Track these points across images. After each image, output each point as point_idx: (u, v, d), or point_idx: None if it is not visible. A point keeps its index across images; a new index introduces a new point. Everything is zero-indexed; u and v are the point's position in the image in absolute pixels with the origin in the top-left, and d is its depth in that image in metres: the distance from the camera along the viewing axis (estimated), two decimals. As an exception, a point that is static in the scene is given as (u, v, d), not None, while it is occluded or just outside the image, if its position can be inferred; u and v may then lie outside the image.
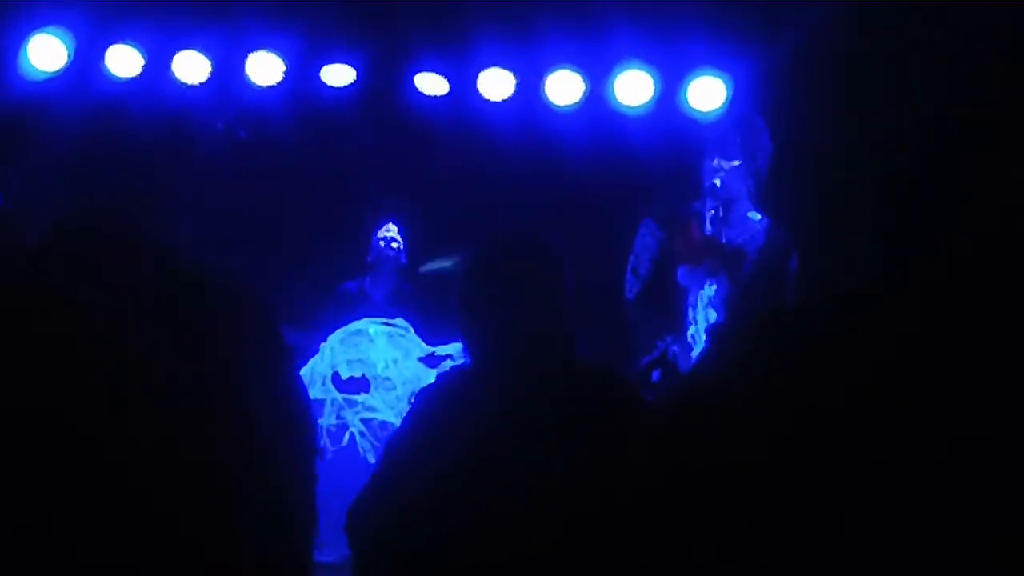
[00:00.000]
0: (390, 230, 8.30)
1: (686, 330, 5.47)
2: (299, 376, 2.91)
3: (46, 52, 7.33)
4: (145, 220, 2.71)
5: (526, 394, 3.32)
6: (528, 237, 3.58)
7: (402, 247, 8.27)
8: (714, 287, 5.50)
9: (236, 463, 2.58)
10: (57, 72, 7.27)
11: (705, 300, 5.51)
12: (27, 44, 7.28)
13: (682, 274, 5.54)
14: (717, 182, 5.50)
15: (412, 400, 3.68)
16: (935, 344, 1.59)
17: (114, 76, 7.40)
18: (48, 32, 7.36)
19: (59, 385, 2.49)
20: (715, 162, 5.52)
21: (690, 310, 5.52)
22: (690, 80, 7.65)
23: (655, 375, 5.33)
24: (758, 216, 5.51)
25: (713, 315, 5.43)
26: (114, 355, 2.52)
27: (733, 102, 7.28)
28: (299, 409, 2.77)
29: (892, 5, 1.70)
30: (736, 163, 5.46)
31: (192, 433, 2.54)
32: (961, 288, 1.61)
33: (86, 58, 7.43)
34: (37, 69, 7.25)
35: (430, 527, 3.20)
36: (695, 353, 5.36)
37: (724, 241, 5.50)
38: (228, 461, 2.57)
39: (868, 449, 1.59)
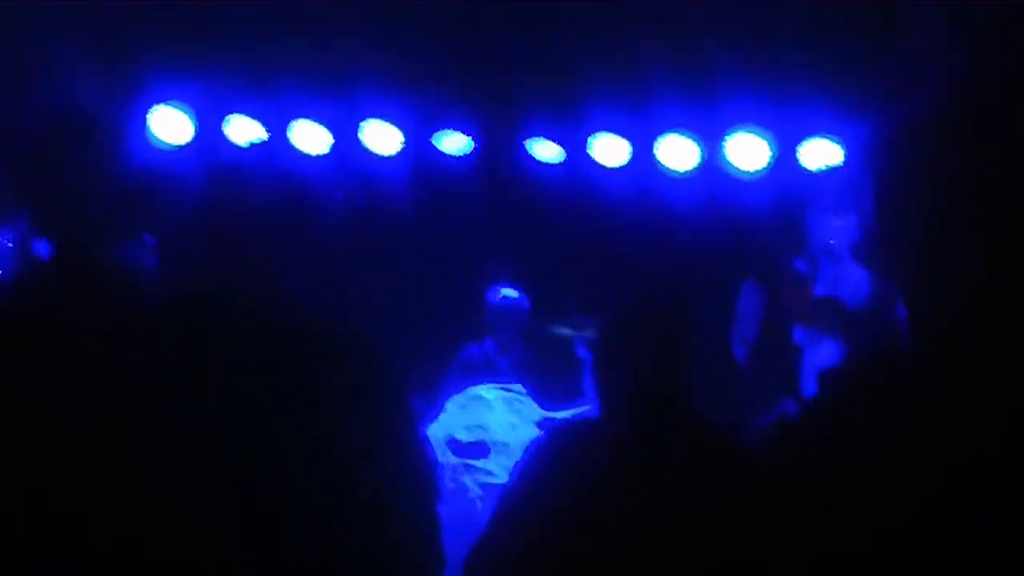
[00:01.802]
0: (509, 295, 8.34)
1: (801, 389, 5.45)
2: (426, 437, 2.95)
3: (169, 124, 7.54)
4: (270, 285, 2.77)
5: (645, 449, 3.34)
6: (662, 298, 3.62)
7: (521, 312, 8.30)
8: (830, 345, 5.48)
9: (364, 522, 2.62)
10: (180, 143, 7.46)
11: (821, 360, 5.49)
12: (150, 116, 7.49)
13: (797, 334, 5.53)
14: (833, 240, 5.51)
15: (524, 452, 3.70)
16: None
17: (235, 145, 7.57)
18: (170, 105, 7.57)
19: (194, 442, 2.54)
20: (825, 220, 5.54)
21: (805, 369, 5.50)
22: (804, 143, 7.64)
23: (773, 434, 5.30)
24: (861, 270, 5.52)
25: (830, 375, 5.39)
26: (244, 416, 2.58)
27: (846, 163, 7.27)
28: (426, 469, 2.79)
29: (1006, 79, 1.74)
30: (846, 220, 5.46)
31: (322, 492, 2.58)
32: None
33: (207, 129, 7.62)
34: (160, 140, 7.45)
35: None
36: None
37: (836, 298, 5.50)
38: (356, 520, 2.61)
39: (995, 498, 1.60)
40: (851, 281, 5.56)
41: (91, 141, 2.97)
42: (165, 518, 2.51)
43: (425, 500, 2.73)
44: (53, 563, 2.55)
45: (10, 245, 5.80)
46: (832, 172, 7.32)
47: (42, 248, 3.04)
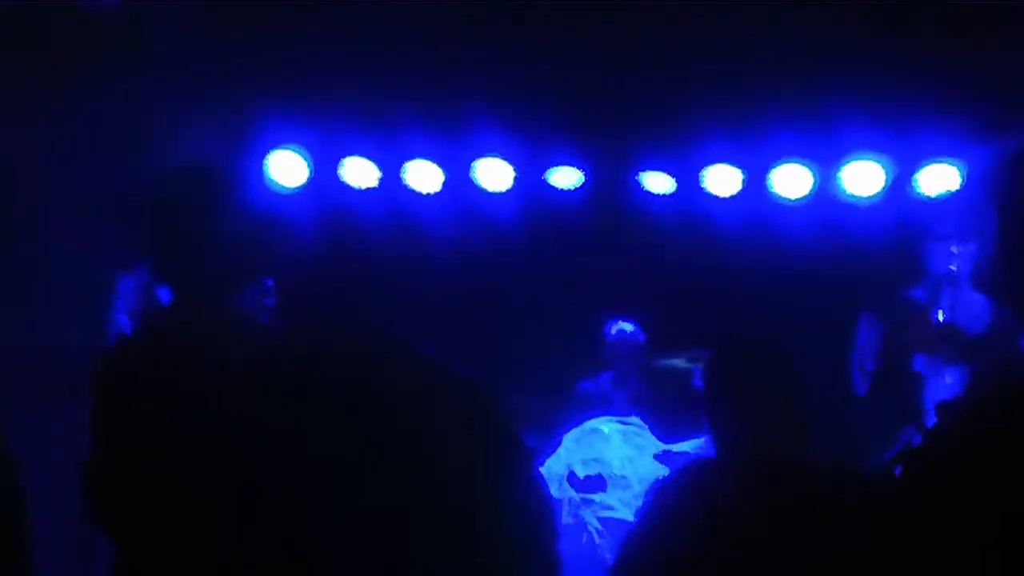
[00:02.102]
0: (625, 329, 8.32)
1: (925, 419, 5.37)
2: (540, 476, 2.95)
3: (286, 167, 7.64)
4: (387, 326, 2.80)
5: (767, 490, 3.31)
6: (772, 335, 3.60)
7: (638, 345, 8.28)
8: (952, 375, 5.41)
9: (482, 564, 2.62)
10: (296, 187, 7.56)
11: (944, 388, 5.41)
12: (267, 161, 7.60)
13: (919, 363, 5.45)
14: (953, 267, 5.45)
15: (647, 494, 3.69)
16: None
17: (351, 187, 7.66)
18: (288, 148, 7.67)
19: (319, 488, 2.57)
20: (945, 247, 5.47)
21: (928, 399, 5.43)
22: (922, 167, 7.55)
23: (899, 468, 5.22)
24: (982, 298, 5.45)
25: (953, 404, 5.33)
26: (363, 461, 2.60)
27: (965, 188, 7.17)
28: (542, 508, 2.80)
29: None
30: (966, 247, 5.40)
31: (439, 536, 2.59)
32: None
33: (323, 172, 7.71)
34: (277, 184, 7.56)
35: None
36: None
37: (957, 326, 5.43)
38: (474, 562, 2.61)
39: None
40: (972, 309, 5.49)
41: (210, 190, 3.02)
42: (292, 563, 2.53)
43: (545, 540, 2.73)
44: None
45: (135, 295, 5.91)
46: (951, 197, 7.23)
47: (165, 297, 3.10)
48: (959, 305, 5.49)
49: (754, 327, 3.66)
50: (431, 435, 2.65)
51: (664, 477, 3.72)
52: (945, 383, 5.42)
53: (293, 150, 7.68)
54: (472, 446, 2.68)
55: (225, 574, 2.60)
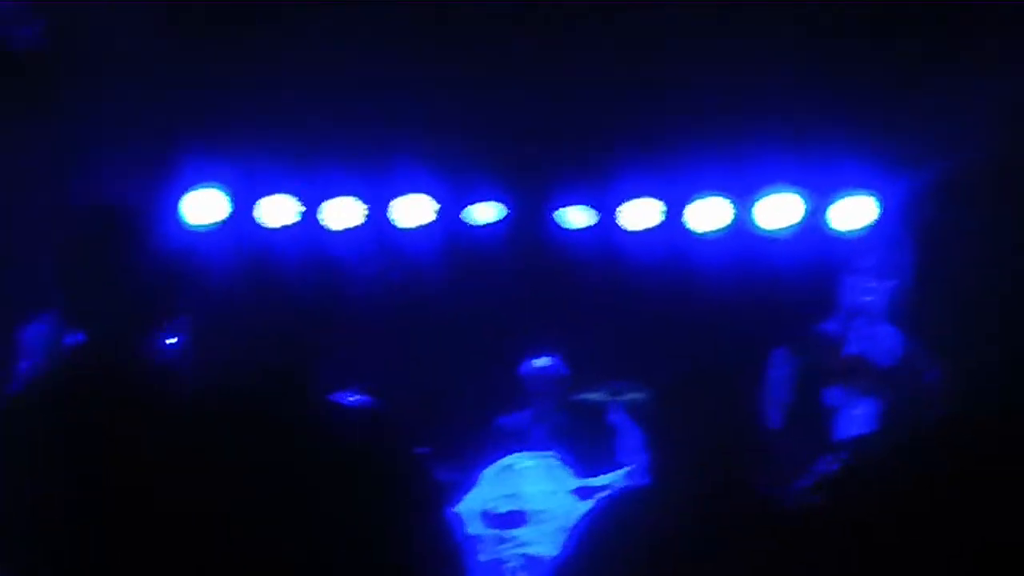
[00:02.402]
0: (546, 363, 8.34)
1: (840, 450, 5.42)
2: (453, 514, 2.96)
3: (204, 206, 7.61)
4: (303, 363, 2.79)
5: (693, 521, 3.34)
6: (716, 369, 3.65)
7: (558, 380, 8.30)
8: (864, 406, 5.48)
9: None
10: (214, 225, 7.53)
11: (856, 419, 5.48)
12: (184, 199, 7.56)
13: (832, 394, 5.52)
14: (864, 300, 5.53)
15: (573, 528, 3.70)
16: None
17: (269, 225, 7.64)
18: (206, 186, 7.64)
19: (226, 530, 2.56)
20: (862, 280, 5.55)
21: (841, 430, 5.49)
22: (837, 200, 7.64)
23: (813, 499, 5.27)
24: (894, 331, 5.55)
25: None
26: (275, 501, 2.59)
27: (880, 220, 7.25)
28: (452, 547, 2.80)
29: None
30: (881, 280, 5.47)
31: (349, 571, 2.59)
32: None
33: (242, 210, 7.68)
34: (195, 223, 7.52)
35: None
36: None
37: (870, 359, 5.51)
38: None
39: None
40: (885, 341, 5.57)
41: (124, 231, 3.00)
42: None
43: None
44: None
45: (42, 338, 5.84)
46: (866, 230, 7.31)
47: (74, 340, 3.07)
48: (874, 338, 5.57)
49: (690, 363, 3.69)
50: (342, 478, 2.65)
51: (590, 509, 3.73)
52: (857, 415, 5.48)
53: (213, 187, 7.65)
54: (380, 485, 2.68)
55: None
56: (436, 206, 8.04)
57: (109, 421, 2.73)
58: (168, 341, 2.99)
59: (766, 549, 3.12)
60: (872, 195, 7.52)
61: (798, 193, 7.76)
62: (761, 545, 3.18)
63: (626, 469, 6.97)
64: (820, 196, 7.75)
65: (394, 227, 8.01)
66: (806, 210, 7.75)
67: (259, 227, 7.58)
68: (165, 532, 2.57)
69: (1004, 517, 1.66)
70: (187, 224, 7.12)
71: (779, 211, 7.79)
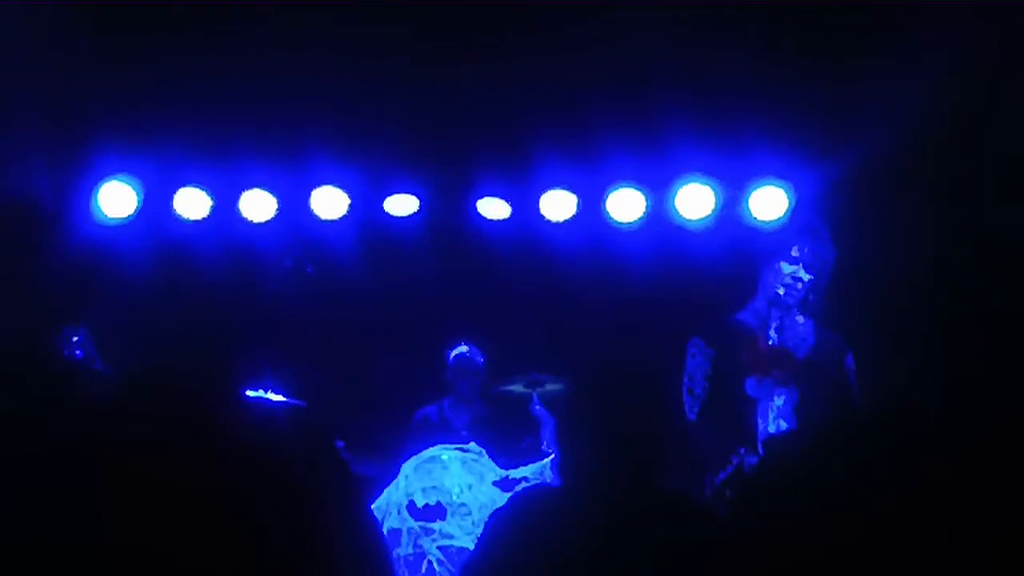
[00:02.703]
0: (464, 353, 8.33)
1: (758, 442, 5.45)
2: (370, 508, 2.94)
3: (116, 199, 7.50)
4: (218, 355, 2.76)
5: (606, 516, 3.34)
6: (634, 362, 3.62)
7: (477, 370, 8.30)
8: (783, 397, 5.50)
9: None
10: (128, 217, 7.43)
11: (775, 410, 5.50)
12: (97, 192, 7.45)
13: (750, 385, 5.54)
14: (781, 291, 5.55)
15: (486, 523, 3.68)
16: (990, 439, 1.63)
17: (183, 218, 7.56)
18: (118, 179, 7.54)
19: (147, 529, 2.52)
20: (778, 270, 5.57)
21: (760, 421, 5.51)
22: (752, 190, 7.68)
23: (731, 491, 5.30)
24: (804, 320, 5.59)
25: (784, 424, 5.43)
26: (195, 500, 2.55)
27: (794, 211, 7.30)
28: (371, 541, 2.78)
29: (945, 132, 1.79)
30: (797, 270, 5.50)
31: (269, 568, 2.57)
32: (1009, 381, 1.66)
33: (155, 203, 7.59)
34: (108, 216, 7.42)
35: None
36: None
37: (787, 349, 5.53)
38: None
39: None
40: (797, 332, 5.61)
41: (35, 227, 2.95)
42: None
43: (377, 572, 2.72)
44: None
45: None
46: (781, 220, 7.35)
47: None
48: (788, 328, 5.60)
49: (604, 358, 3.67)
50: (261, 468, 2.62)
51: (503, 505, 3.71)
52: (775, 405, 5.51)
53: (123, 181, 7.54)
54: (303, 485, 2.66)
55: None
56: (351, 199, 7.98)
57: (22, 421, 2.69)
58: (76, 339, 2.95)
59: (680, 544, 3.14)
60: (785, 185, 7.56)
61: (711, 183, 7.79)
62: (675, 539, 3.19)
63: (547, 460, 6.98)
64: (734, 186, 7.78)
65: (310, 219, 7.95)
66: (720, 200, 7.78)
67: (173, 220, 7.50)
68: (78, 530, 2.53)
69: (919, 508, 1.67)
70: (99, 218, 7.04)
71: (694, 201, 7.81)
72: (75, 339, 2.99)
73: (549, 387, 7.77)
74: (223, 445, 2.64)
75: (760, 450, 5.34)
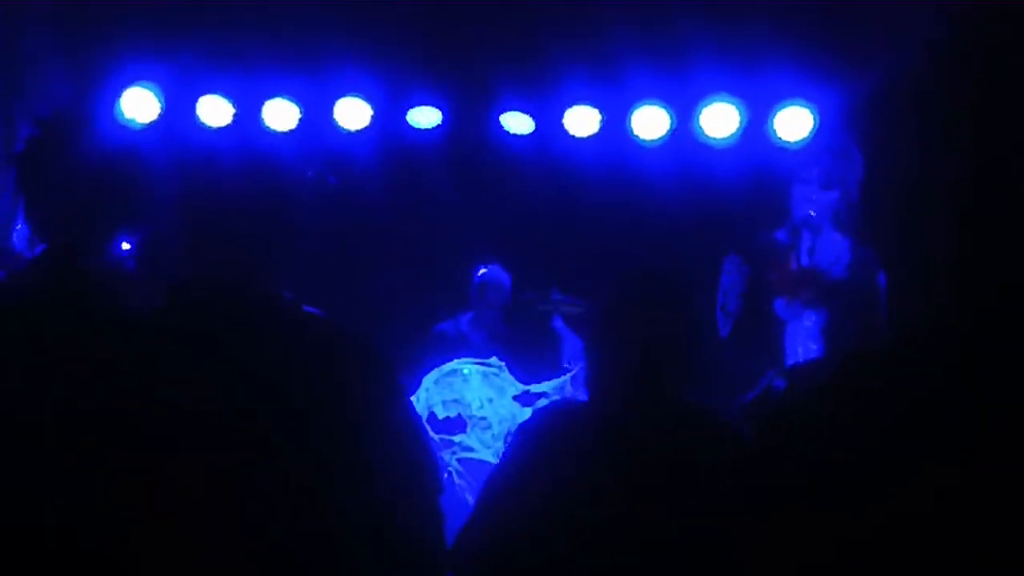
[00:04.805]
0: (488, 270, 8.32)
1: (787, 363, 5.44)
2: (419, 415, 2.94)
3: (139, 105, 7.47)
4: (247, 271, 2.74)
5: (632, 431, 3.32)
6: (665, 275, 3.57)
7: (501, 287, 8.29)
8: (812, 319, 5.48)
9: (366, 505, 2.59)
10: (150, 124, 7.40)
11: (804, 332, 5.49)
12: (120, 98, 7.43)
13: (779, 307, 5.51)
14: (812, 212, 5.51)
15: (509, 437, 3.67)
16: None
17: (206, 126, 7.53)
18: (141, 85, 7.50)
19: (190, 442, 2.51)
20: (806, 191, 5.53)
21: (789, 343, 5.50)
22: (777, 111, 7.63)
23: (759, 409, 5.29)
24: (840, 238, 5.54)
25: (813, 347, 5.42)
26: (238, 413, 2.54)
27: (820, 131, 7.25)
28: (423, 447, 2.78)
29: (980, 45, 1.73)
30: (826, 190, 5.46)
31: (324, 478, 2.56)
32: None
33: (178, 109, 7.56)
34: (131, 121, 7.39)
35: (531, 565, 3.20)
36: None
37: (819, 270, 5.50)
38: (358, 505, 2.58)
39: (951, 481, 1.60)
40: (831, 251, 5.56)
41: (69, 138, 2.96)
42: (163, 519, 2.48)
43: (428, 491, 2.72)
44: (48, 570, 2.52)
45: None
46: (809, 140, 7.31)
47: (39, 250, 3.04)
48: (820, 248, 5.56)
49: (630, 275, 3.62)
50: (313, 378, 2.61)
51: (529, 418, 3.70)
52: (805, 326, 5.49)
53: (147, 87, 7.51)
54: (354, 387, 2.64)
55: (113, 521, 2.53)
56: (374, 110, 7.94)
57: (70, 333, 2.68)
58: (122, 247, 2.95)
59: (706, 461, 3.12)
60: (810, 107, 7.51)
61: (735, 102, 7.73)
62: (701, 456, 3.18)
63: (567, 376, 6.99)
64: (759, 106, 7.72)
65: (333, 130, 7.92)
66: (744, 119, 7.73)
67: (197, 128, 7.47)
68: (129, 443, 2.52)
69: (946, 445, 1.64)
70: (123, 121, 7.01)
71: (719, 120, 7.76)
72: (123, 245, 2.98)
73: (571, 303, 7.76)
74: (279, 354, 2.63)
75: (787, 377, 5.34)
